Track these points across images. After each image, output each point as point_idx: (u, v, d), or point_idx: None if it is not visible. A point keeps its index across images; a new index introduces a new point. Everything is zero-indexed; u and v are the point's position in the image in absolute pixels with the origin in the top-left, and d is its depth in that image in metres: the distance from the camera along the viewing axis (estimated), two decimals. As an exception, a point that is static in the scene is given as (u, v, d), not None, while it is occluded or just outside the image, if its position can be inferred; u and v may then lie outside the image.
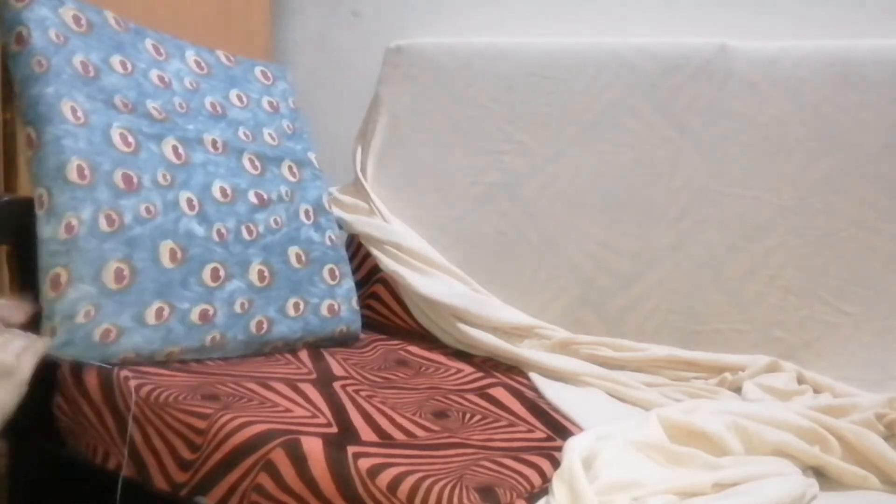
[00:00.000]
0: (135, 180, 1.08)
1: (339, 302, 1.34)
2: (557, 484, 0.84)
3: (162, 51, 1.24)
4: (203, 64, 1.30)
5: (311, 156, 1.42)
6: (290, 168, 1.35)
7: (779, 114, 1.27)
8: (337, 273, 1.36)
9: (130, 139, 1.10)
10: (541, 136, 1.42)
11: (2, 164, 1.37)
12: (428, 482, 0.83)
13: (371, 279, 1.49)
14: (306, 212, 1.34)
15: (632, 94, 1.36)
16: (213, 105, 1.27)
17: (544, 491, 0.86)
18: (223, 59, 1.35)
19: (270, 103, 1.38)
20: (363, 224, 1.47)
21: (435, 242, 1.48)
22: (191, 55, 1.29)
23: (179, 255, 1.12)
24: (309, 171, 1.39)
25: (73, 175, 1.02)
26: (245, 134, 1.29)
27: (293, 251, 1.29)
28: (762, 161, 1.27)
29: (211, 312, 1.15)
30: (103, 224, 1.04)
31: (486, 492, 0.83)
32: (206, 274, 1.15)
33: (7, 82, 1.35)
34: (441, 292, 1.38)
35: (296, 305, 1.27)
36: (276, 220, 1.27)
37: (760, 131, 1.28)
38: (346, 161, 1.57)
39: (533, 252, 1.40)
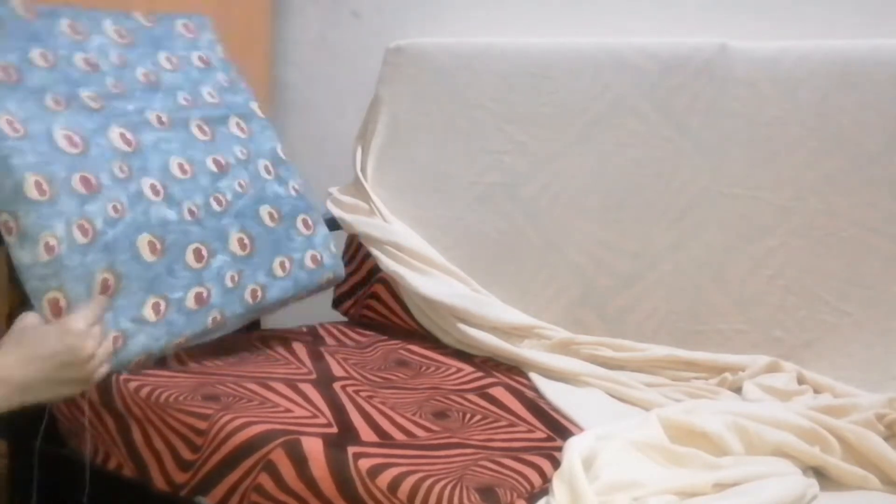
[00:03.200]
0: (93, 181, 1.03)
1: (320, 251, 1.32)
2: (557, 484, 0.84)
3: (79, 28, 1.15)
4: (124, 31, 1.22)
5: (254, 106, 1.35)
6: (237, 124, 1.30)
7: (779, 114, 1.27)
8: (310, 222, 1.33)
9: (76, 139, 1.04)
10: (541, 136, 1.42)
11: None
12: (428, 482, 0.83)
13: (371, 279, 1.49)
14: (265, 167, 1.30)
15: (632, 94, 1.36)
16: (145, 76, 1.20)
17: (544, 491, 0.86)
18: (142, 21, 1.27)
19: (201, 58, 1.31)
20: (363, 224, 1.47)
21: (435, 242, 1.48)
22: (109, 25, 1.21)
23: (158, 245, 1.08)
24: (256, 124, 1.33)
25: (32, 192, 0.96)
26: (185, 99, 1.24)
27: (265, 210, 1.26)
28: (762, 161, 1.27)
29: (205, 294, 1.13)
30: (79, 236, 0.99)
31: (487, 492, 0.83)
32: (190, 257, 1.12)
33: None
34: (441, 292, 1.38)
35: (282, 265, 1.25)
36: (240, 184, 1.23)
37: (760, 131, 1.28)
38: (346, 161, 1.57)
39: (533, 252, 1.40)
